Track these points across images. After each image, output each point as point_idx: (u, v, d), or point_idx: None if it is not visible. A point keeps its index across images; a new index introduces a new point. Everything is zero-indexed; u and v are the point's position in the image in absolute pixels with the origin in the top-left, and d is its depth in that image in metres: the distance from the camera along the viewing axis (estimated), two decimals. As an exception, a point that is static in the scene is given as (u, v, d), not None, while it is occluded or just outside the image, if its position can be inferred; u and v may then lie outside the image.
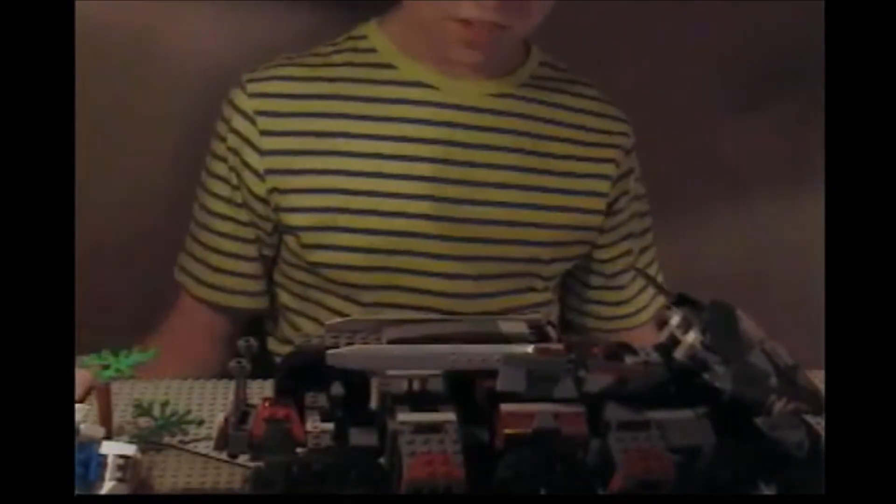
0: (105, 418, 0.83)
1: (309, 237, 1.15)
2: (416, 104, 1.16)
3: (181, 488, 0.81)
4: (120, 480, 0.74)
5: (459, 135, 1.16)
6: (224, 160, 1.17)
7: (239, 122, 1.15)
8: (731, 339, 0.76)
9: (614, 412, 0.75)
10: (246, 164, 1.15)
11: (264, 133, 1.14)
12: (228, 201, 1.18)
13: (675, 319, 0.77)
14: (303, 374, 0.75)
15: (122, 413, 0.88)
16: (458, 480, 0.70)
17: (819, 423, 0.78)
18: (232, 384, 0.74)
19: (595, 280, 1.31)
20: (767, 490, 0.76)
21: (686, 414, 0.76)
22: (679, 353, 0.76)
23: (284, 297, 1.22)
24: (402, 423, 0.72)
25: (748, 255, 1.55)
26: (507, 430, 0.73)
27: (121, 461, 0.75)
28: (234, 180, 1.17)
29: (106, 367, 0.83)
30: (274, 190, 1.15)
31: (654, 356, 0.77)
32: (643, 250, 1.33)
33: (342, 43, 1.20)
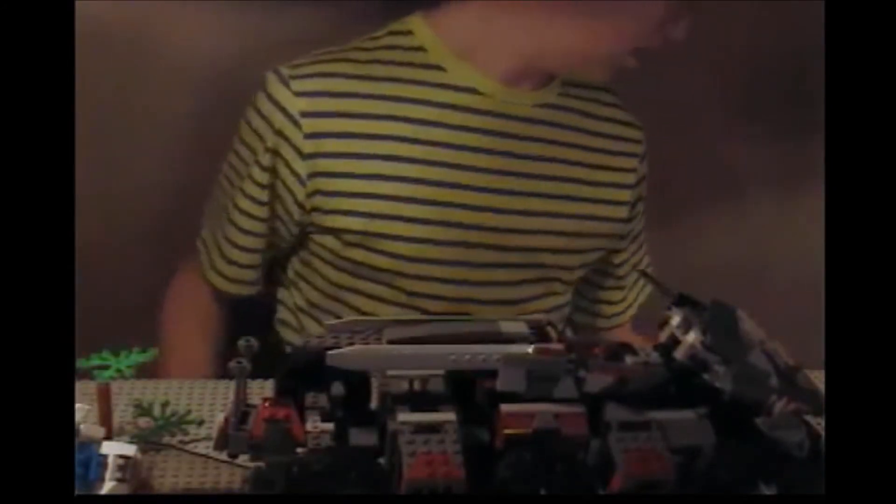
0: (105, 418, 0.83)
1: (352, 238, 1.13)
2: (466, 111, 1.15)
3: (181, 488, 0.81)
4: (120, 480, 0.74)
5: (507, 144, 1.16)
6: (256, 157, 1.14)
7: (282, 123, 1.11)
8: (732, 340, 0.76)
9: (614, 412, 0.75)
10: (287, 166, 1.12)
11: (308, 136, 1.11)
12: (256, 200, 1.15)
13: (675, 320, 0.77)
14: (303, 375, 0.75)
15: (122, 413, 0.88)
16: (458, 480, 0.70)
17: (819, 423, 0.78)
18: (232, 384, 0.74)
19: (608, 281, 1.33)
20: (767, 490, 0.76)
21: (686, 414, 0.76)
22: (679, 354, 0.76)
23: (312, 295, 1.20)
24: (402, 423, 0.72)
25: (748, 255, 1.55)
26: (507, 430, 0.73)
27: (121, 461, 0.75)
28: (267, 180, 1.14)
29: (106, 367, 0.83)
30: (316, 192, 1.12)
31: (654, 356, 0.77)
32: (640, 247, 1.34)
33: (385, 38, 1.16)
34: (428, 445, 0.71)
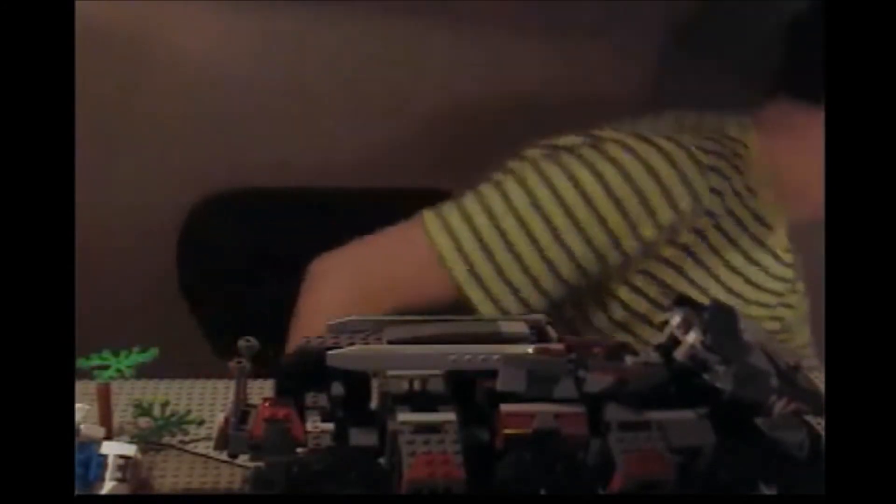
0: (105, 418, 0.83)
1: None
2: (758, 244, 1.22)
3: (181, 488, 0.81)
4: (120, 480, 0.74)
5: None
6: (644, 232, 1.14)
7: (686, 203, 1.13)
8: (732, 340, 0.76)
9: (614, 412, 0.75)
10: (652, 246, 1.15)
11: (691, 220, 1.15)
12: None
13: (675, 319, 0.77)
14: (303, 374, 0.75)
15: (122, 413, 0.88)
16: (458, 480, 0.70)
17: (819, 423, 0.78)
18: (232, 384, 0.74)
19: None
20: (767, 490, 0.76)
21: (686, 414, 0.76)
22: (679, 354, 0.76)
23: None
24: (402, 423, 0.72)
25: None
26: (507, 430, 0.73)
27: (121, 461, 0.75)
28: (632, 251, 1.15)
29: (106, 367, 0.83)
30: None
31: (654, 356, 0.77)
32: None
33: (734, 144, 1.18)
34: (428, 445, 0.71)
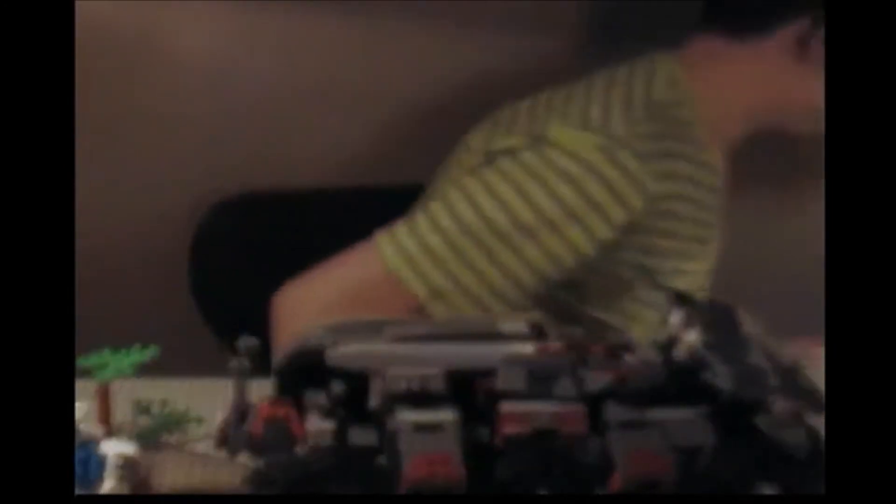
0: (105, 417, 0.83)
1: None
2: (711, 191, 1.23)
3: (181, 488, 0.81)
4: (120, 479, 0.74)
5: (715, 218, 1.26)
6: (601, 234, 1.15)
7: (638, 202, 1.14)
8: (731, 339, 0.76)
9: (614, 411, 0.75)
10: (616, 242, 1.16)
11: (647, 215, 1.16)
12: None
13: (675, 319, 0.77)
14: (303, 374, 0.75)
15: (122, 413, 0.88)
16: (458, 480, 0.70)
17: (819, 423, 0.78)
18: (232, 383, 0.74)
19: None
20: (767, 490, 0.76)
21: (686, 414, 0.76)
22: (679, 353, 0.76)
23: None
24: (402, 422, 0.72)
25: (749, 255, 1.55)
26: (507, 430, 0.73)
27: (121, 461, 0.75)
28: (592, 252, 1.16)
29: (106, 366, 0.83)
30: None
31: (654, 356, 0.77)
32: None
33: (676, 109, 1.18)
34: (428, 445, 0.70)
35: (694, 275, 1.25)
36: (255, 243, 1.35)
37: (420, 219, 1.14)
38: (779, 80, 1.18)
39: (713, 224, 1.25)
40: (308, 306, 1.14)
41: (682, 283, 1.22)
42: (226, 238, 1.30)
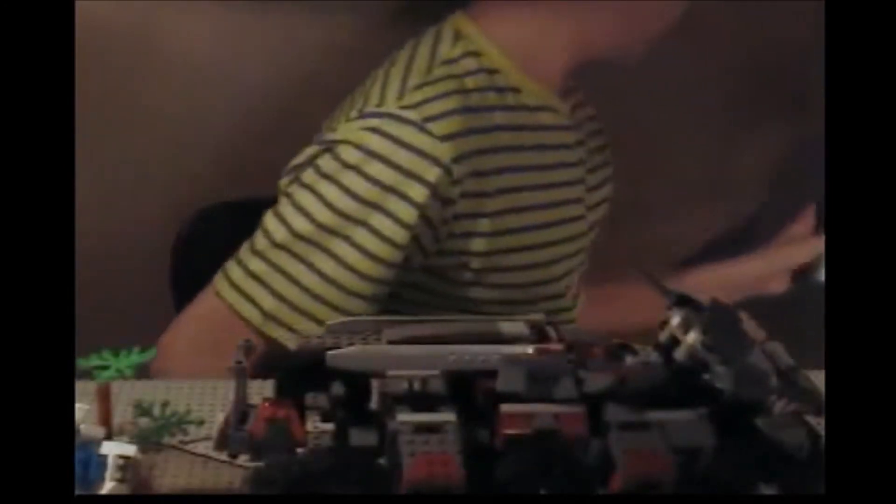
0: (105, 418, 0.83)
1: (475, 277, 1.16)
2: (545, 129, 1.18)
3: (181, 488, 0.81)
4: (120, 480, 0.74)
5: (576, 154, 1.22)
6: (406, 217, 1.10)
7: (433, 174, 1.09)
8: (732, 340, 0.76)
9: (614, 412, 0.75)
10: (429, 220, 1.11)
11: (455, 182, 1.10)
12: (397, 246, 1.12)
13: (675, 320, 0.77)
14: (303, 374, 0.75)
15: (122, 413, 0.88)
16: (458, 480, 0.70)
17: (819, 423, 0.78)
18: (232, 384, 0.74)
19: None
20: (767, 490, 0.76)
21: (686, 414, 0.76)
22: (679, 354, 0.76)
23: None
24: (402, 423, 0.72)
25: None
26: (507, 431, 0.73)
27: (121, 461, 0.75)
28: (406, 239, 1.11)
29: (106, 367, 0.83)
30: (450, 235, 1.13)
31: (654, 356, 0.77)
32: None
33: (463, 60, 1.15)
34: (428, 445, 0.70)
35: (574, 221, 1.23)
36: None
37: (243, 250, 1.14)
38: (571, 17, 1.17)
39: (569, 164, 1.22)
40: (178, 347, 1.14)
41: (571, 231, 1.22)
42: (210, 241, 1.29)
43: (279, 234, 1.12)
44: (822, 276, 1.33)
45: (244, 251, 1.14)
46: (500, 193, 1.14)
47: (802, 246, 1.35)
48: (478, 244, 1.14)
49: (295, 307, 1.11)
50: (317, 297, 1.11)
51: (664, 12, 1.19)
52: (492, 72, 1.15)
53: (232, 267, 1.14)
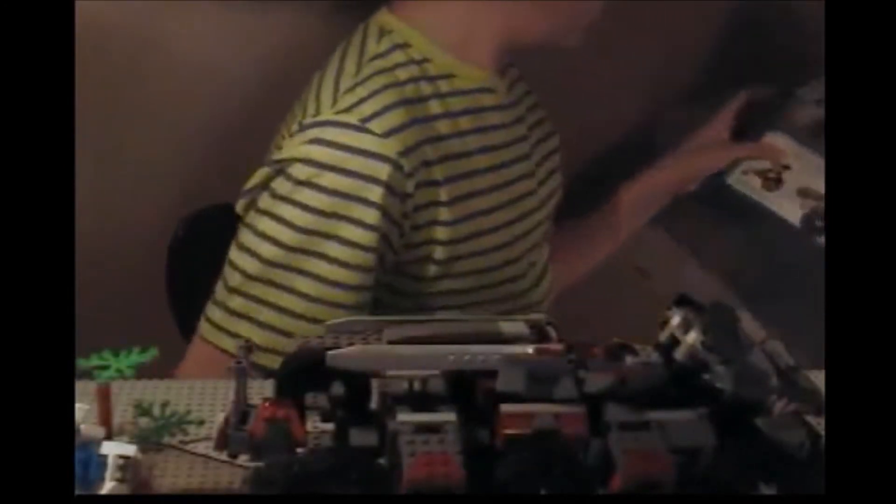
0: (105, 418, 0.83)
1: (441, 269, 1.15)
2: (483, 111, 1.17)
3: (181, 488, 0.81)
4: (120, 480, 0.74)
5: (517, 131, 1.21)
6: (370, 219, 1.09)
7: (385, 172, 1.07)
8: (732, 340, 0.76)
9: (614, 412, 0.75)
10: (391, 217, 1.10)
11: (408, 175, 1.09)
12: (370, 249, 1.10)
13: (675, 320, 0.77)
14: (303, 375, 0.75)
15: (122, 413, 0.88)
16: (458, 480, 0.70)
17: (819, 423, 0.78)
18: (232, 384, 0.74)
19: None
20: (767, 490, 0.76)
21: (686, 414, 0.76)
22: (679, 354, 0.76)
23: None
24: (402, 423, 0.72)
25: (748, 255, 1.55)
26: (507, 431, 0.73)
27: (121, 461, 0.75)
28: (375, 241, 1.10)
29: (106, 367, 0.83)
30: (413, 228, 1.12)
31: (654, 356, 0.77)
32: None
33: (391, 54, 1.14)
34: (428, 445, 0.70)
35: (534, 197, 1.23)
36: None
37: (218, 289, 1.13)
38: (495, 6, 1.16)
39: (513, 140, 1.21)
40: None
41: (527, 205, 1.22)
42: (207, 243, 1.29)
43: (250, 266, 1.10)
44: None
45: (220, 291, 1.13)
46: (451, 181, 1.13)
47: (719, 151, 1.37)
48: (440, 233, 1.13)
49: (286, 333, 1.10)
50: (304, 318, 1.10)
51: (591, 7, 1.20)
52: (421, 61, 1.14)
53: (212, 310, 1.13)
